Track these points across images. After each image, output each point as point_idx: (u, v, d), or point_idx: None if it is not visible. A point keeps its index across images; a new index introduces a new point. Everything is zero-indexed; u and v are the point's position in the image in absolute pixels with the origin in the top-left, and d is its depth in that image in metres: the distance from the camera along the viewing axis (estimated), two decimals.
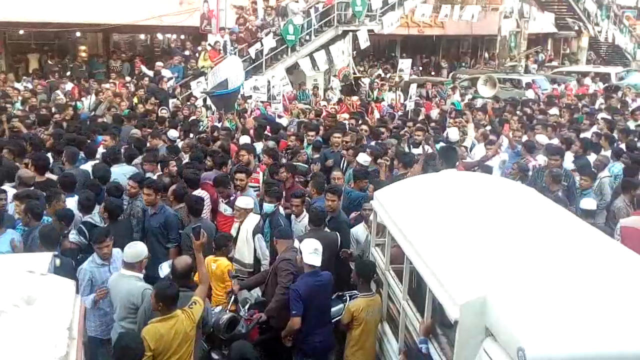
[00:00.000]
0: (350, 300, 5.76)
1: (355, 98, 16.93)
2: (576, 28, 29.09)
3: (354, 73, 21.03)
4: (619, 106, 15.10)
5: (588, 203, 7.37)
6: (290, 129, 12.02)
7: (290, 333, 5.45)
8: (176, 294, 4.64)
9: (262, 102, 15.50)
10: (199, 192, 7.44)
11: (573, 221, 5.00)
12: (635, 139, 10.94)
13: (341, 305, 5.75)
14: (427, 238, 4.70)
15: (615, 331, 3.29)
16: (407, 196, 5.72)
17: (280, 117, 14.13)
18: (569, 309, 3.44)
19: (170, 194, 7.47)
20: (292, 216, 7.23)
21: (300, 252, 5.48)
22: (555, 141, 10.30)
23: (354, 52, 22.30)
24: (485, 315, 3.62)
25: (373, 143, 10.12)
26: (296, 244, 6.03)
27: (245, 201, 6.91)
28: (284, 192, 7.74)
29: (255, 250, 6.64)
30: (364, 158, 8.50)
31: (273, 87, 16.26)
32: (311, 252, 5.42)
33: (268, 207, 7.00)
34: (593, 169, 8.73)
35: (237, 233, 6.76)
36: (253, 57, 17.70)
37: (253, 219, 6.82)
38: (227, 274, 6.05)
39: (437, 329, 4.58)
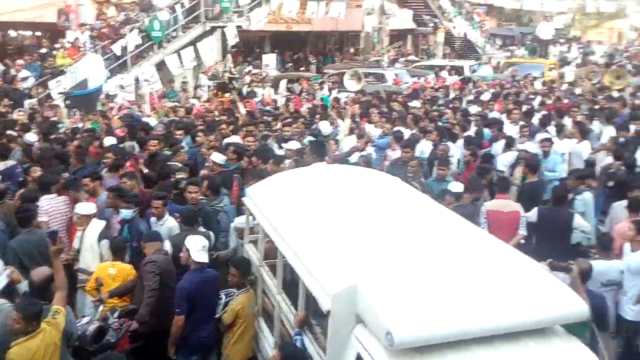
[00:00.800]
0: (226, 298, 5.71)
1: (227, 95, 16.79)
2: (432, 25, 30.85)
3: (229, 70, 20.83)
4: (472, 97, 16.16)
5: (456, 186, 7.89)
6: (158, 129, 11.68)
7: (177, 335, 5.35)
8: (40, 310, 4.37)
9: (129, 101, 14.92)
10: (51, 198, 6.98)
11: (435, 208, 5.31)
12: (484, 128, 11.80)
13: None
14: (299, 232, 4.79)
15: (472, 310, 3.55)
16: (278, 191, 5.78)
17: (147, 116, 13.68)
18: (431, 292, 3.66)
19: (17, 198, 6.91)
20: (153, 219, 6.83)
21: (187, 250, 5.41)
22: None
23: (233, 49, 22.11)
24: (356, 304, 3.75)
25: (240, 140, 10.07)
26: (166, 245, 5.87)
27: (85, 207, 6.54)
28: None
29: (102, 257, 6.31)
30: (218, 157, 8.43)
31: (142, 84, 15.70)
32: (199, 249, 5.40)
33: (126, 213, 6.53)
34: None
35: (81, 242, 6.41)
36: (118, 54, 16.99)
37: (96, 225, 6.48)
38: (123, 279, 5.78)
39: (312, 320, 4.68)
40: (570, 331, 3.79)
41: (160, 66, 17.83)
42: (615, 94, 16.21)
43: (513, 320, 3.56)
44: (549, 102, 15.27)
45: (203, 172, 8.29)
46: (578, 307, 3.75)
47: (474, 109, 13.57)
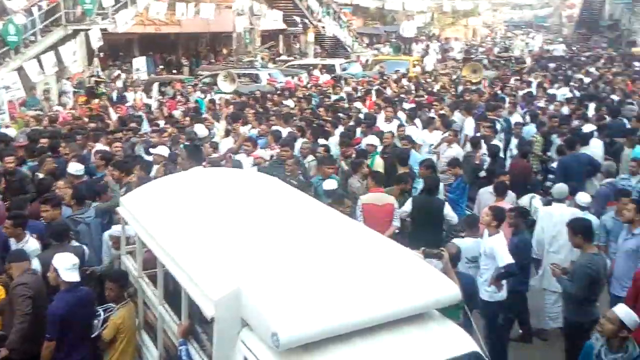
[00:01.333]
0: (105, 314, 5.46)
1: (97, 101, 15.98)
2: (302, 25, 31.28)
3: (97, 75, 19.81)
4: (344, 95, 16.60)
5: (329, 184, 8.10)
6: (20, 140, 10.90)
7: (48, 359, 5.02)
8: None
9: None
10: None
11: (313, 205, 5.41)
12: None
13: (95, 322, 5.43)
14: (178, 239, 4.68)
15: (352, 303, 3.66)
16: (154, 199, 5.61)
17: (6, 127, 12.70)
18: (312, 289, 3.73)
19: None
20: (11, 240, 6.32)
21: (55, 270, 5.08)
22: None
23: (99, 53, 21.05)
24: (240, 308, 3.73)
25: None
26: (34, 263, 5.50)
27: None
28: None
29: None
30: (74, 167, 8.05)
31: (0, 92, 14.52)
32: (68, 267, 5.08)
33: None
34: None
35: None
36: None
37: None
38: None
39: (197, 328, 4.60)
40: (444, 314, 4.02)
41: (19, 73, 16.62)
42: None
43: (391, 308, 3.71)
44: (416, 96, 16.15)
45: (59, 183, 7.74)
46: (451, 291, 3.98)
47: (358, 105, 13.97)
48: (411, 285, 3.90)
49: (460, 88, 18.43)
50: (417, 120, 12.49)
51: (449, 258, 5.16)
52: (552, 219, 7.24)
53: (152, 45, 27.68)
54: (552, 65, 26.18)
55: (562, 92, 17.09)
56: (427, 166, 8.74)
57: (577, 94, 17.06)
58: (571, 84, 19.07)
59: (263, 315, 3.55)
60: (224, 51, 31.67)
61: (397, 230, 7.57)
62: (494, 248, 6.23)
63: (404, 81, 20.07)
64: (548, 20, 56.78)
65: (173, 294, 4.90)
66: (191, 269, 4.21)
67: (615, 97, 15.77)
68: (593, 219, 7.25)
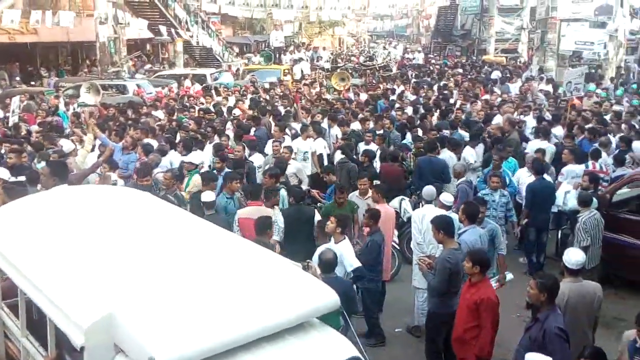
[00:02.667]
0: None
1: None
2: (167, 34, 30.48)
3: None
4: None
5: (207, 196, 7.96)
6: None
7: None
8: None
9: None
10: None
11: (188, 220, 5.26)
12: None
13: None
14: (41, 264, 4.33)
15: (232, 318, 3.59)
16: (12, 222, 5.17)
17: None
18: (191, 308, 3.61)
19: None
20: None
21: None
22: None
23: None
24: (113, 334, 3.53)
25: None
26: None
27: None
28: None
29: None
30: None
31: None
32: None
33: None
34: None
35: None
36: None
37: None
38: None
39: (67, 358, 4.30)
40: (325, 321, 4.06)
41: None
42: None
43: (272, 321, 3.69)
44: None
45: None
46: (330, 298, 4.03)
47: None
48: (291, 296, 3.91)
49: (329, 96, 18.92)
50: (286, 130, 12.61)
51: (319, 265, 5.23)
52: (423, 221, 7.52)
53: (5, 55, 25.73)
54: (413, 73, 27.66)
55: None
56: (270, 175, 8.73)
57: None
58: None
59: (138, 340, 3.38)
60: (88, 62, 30.14)
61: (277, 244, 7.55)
62: (342, 254, 6.46)
63: (278, 90, 20.25)
64: (407, 30, 59.87)
65: (37, 323, 4.54)
66: (56, 296, 3.91)
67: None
68: (455, 216, 7.73)
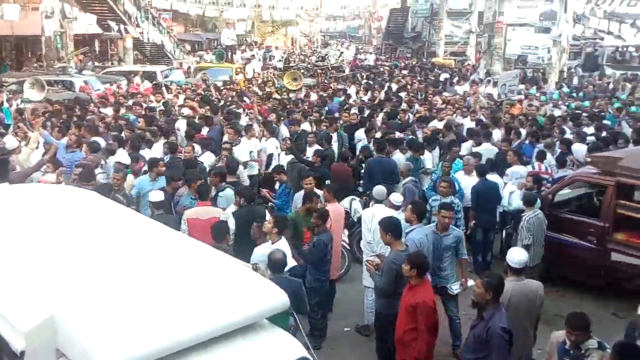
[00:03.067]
0: None
1: None
2: (116, 30, 29.82)
3: None
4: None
5: (155, 195, 7.84)
6: None
7: None
8: None
9: None
10: None
11: (136, 220, 5.17)
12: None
13: None
14: None
15: (181, 319, 3.54)
16: None
17: None
18: (138, 309, 3.54)
19: None
20: None
21: None
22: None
23: None
24: (55, 337, 3.42)
25: None
26: None
27: None
28: None
29: None
30: None
31: None
32: None
33: None
34: None
35: None
36: None
37: None
38: None
39: None
40: (274, 321, 4.06)
41: None
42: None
43: (221, 322, 3.65)
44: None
45: None
46: (279, 299, 4.03)
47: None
48: (240, 297, 3.89)
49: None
50: None
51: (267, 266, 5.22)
52: (373, 220, 7.58)
53: None
54: (364, 74, 27.91)
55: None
56: (215, 174, 8.80)
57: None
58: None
59: (82, 343, 3.29)
60: (33, 56, 29.22)
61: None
62: None
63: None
64: (359, 31, 60.32)
65: None
66: None
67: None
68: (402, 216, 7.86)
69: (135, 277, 3.93)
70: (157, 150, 10.51)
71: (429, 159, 11.18)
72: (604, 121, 14.90)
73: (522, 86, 19.05)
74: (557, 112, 16.37)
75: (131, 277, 3.92)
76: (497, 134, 13.07)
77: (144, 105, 15.43)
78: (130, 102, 15.72)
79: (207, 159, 10.40)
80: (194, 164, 9.77)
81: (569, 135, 12.77)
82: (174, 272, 4.05)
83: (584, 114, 15.66)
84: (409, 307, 5.76)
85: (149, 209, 7.87)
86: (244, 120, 13.38)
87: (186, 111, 14.60)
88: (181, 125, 12.99)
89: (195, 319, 3.60)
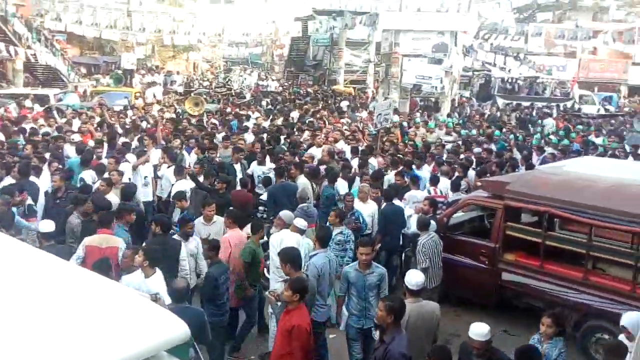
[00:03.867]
0: None
1: None
2: (5, 52, 28.27)
3: None
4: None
5: (45, 225, 7.66)
6: None
7: None
8: None
9: None
10: None
11: (23, 252, 4.88)
12: None
13: None
14: None
15: (74, 355, 3.37)
16: None
17: None
18: (23, 348, 3.34)
19: None
20: None
21: None
22: None
23: None
24: None
25: None
26: None
27: None
28: None
29: None
30: None
31: None
32: None
33: None
34: None
35: None
36: None
37: None
38: None
39: None
40: (174, 353, 3.94)
41: None
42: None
43: (117, 356, 3.51)
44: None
45: None
46: (179, 330, 3.92)
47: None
48: (137, 329, 3.75)
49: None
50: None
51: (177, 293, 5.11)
52: (282, 245, 7.56)
53: None
54: (267, 100, 28.10)
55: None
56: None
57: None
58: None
59: None
60: None
61: None
62: (151, 291, 6.18)
63: (130, 112, 19.59)
64: (262, 58, 60.74)
65: None
66: None
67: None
68: (307, 242, 7.95)
69: (23, 312, 3.70)
70: (45, 177, 10.02)
71: (344, 186, 11.18)
72: (492, 146, 15.84)
73: (396, 116, 19.82)
74: (449, 139, 17.23)
75: (18, 312, 3.68)
76: (374, 161, 13.13)
77: (40, 130, 14.71)
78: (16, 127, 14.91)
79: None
80: (88, 189, 9.44)
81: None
82: (66, 305, 3.85)
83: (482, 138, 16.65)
84: (285, 331, 5.77)
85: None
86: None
87: (76, 137, 13.95)
88: (70, 151, 12.54)
89: (88, 354, 3.43)
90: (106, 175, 10.19)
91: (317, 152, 13.56)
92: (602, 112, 30.60)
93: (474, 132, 19.02)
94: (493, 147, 15.90)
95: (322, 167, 12.08)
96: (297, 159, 12.71)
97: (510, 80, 35.00)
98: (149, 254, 6.59)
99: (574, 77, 38.26)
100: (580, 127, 21.77)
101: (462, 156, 14.14)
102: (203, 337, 5.66)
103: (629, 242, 8.20)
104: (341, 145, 15.02)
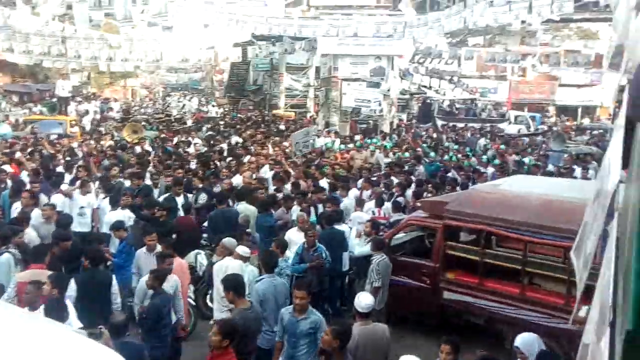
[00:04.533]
0: None
1: None
2: None
3: None
4: None
5: None
6: None
7: None
8: None
9: None
10: None
11: None
12: None
13: None
14: None
15: None
16: None
17: None
18: None
19: None
20: None
21: None
22: None
23: None
24: None
25: None
26: None
27: None
28: None
29: None
30: None
31: None
32: None
33: None
34: None
35: None
36: None
37: None
38: None
39: None
40: None
41: None
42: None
43: None
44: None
45: None
46: None
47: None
48: None
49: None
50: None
51: (116, 328, 4.98)
52: (227, 272, 7.39)
53: None
54: (207, 125, 27.87)
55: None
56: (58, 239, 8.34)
57: None
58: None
59: None
60: None
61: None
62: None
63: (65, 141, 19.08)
64: (202, 83, 60.34)
65: None
66: None
67: None
68: (252, 269, 7.89)
69: None
70: None
71: (297, 210, 10.95)
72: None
73: (337, 140, 20.07)
74: (386, 160, 17.48)
75: None
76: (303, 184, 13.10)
77: None
78: None
79: (36, 215, 9.71)
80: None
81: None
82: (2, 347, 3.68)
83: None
84: None
85: None
86: (66, 178, 12.66)
87: (8, 168, 13.47)
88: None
89: None
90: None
91: (237, 180, 13.42)
92: (525, 131, 31.76)
93: (407, 154, 19.23)
94: (421, 168, 16.20)
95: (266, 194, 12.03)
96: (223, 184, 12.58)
97: (449, 103, 35.99)
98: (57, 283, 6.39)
99: (508, 99, 39.78)
100: (502, 146, 22.52)
101: (393, 179, 14.19)
102: None
103: (561, 257, 8.50)
104: (265, 170, 14.86)
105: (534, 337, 6.04)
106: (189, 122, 29.41)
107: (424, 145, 21.82)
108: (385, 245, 9.01)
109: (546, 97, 44.07)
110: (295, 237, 9.64)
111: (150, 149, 18.51)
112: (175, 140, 21.19)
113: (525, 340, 5.99)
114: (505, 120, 33.85)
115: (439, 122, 31.18)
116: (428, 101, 34.63)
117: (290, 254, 9.08)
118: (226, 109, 40.44)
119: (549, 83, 44.06)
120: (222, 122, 29.45)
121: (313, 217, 10.86)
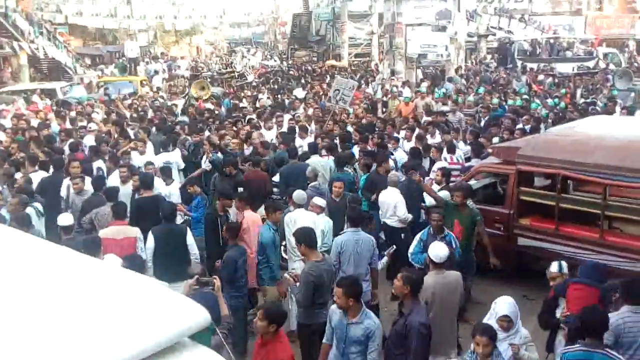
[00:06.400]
0: None
1: None
2: (8, 48, 28.32)
3: None
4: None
5: (64, 219, 7.66)
6: None
7: None
8: None
9: None
10: None
11: (38, 245, 4.92)
12: None
13: None
14: None
15: (92, 349, 3.40)
16: None
17: None
18: (42, 342, 3.37)
19: None
20: None
21: None
22: None
23: None
24: None
25: None
26: None
27: None
28: None
29: None
30: None
31: None
32: None
33: None
34: None
35: None
36: None
37: None
38: None
39: None
40: (196, 339, 3.98)
41: None
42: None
43: (138, 346, 3.53)
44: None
45: None
46: (200, 316, 3.93)
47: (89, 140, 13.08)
48: (158, 317, 3.78)
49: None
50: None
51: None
52: (296, 224, 7.54)
53: None
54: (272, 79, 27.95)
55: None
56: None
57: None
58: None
59: None
60: None
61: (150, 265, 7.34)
62: None
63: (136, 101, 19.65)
64: (265, 37, 60.34)
65: None
66: None
67: None
68: (327, 220, 7.95)
69: (42, 305, 3.73)
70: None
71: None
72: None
73: (407, 89, 19.43)
74: (445, 108, 16.92)
75: (37, 305, 3.72)
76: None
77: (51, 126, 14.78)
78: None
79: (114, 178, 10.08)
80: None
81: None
82: (85, 298, 3.88)
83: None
84: None
85: None
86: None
87: (93, 126, 14.15)
88: (88, 140, 12.76)
89: (109, 345, 3.45)
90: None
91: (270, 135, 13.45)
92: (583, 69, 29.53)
93: (471, 98, 18.53)
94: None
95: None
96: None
97: (530, 43, 33.98)
98: None
99: (597, 36, 37.32)
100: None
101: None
102: (216, 320, 5.69)
103: None
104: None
105: (511, 299, 5.72)
106: (250, 78, 29.52)
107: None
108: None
109: (626, 32, 41.35)
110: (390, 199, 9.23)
111: (212, 106, 18.78)
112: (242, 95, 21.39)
113: (510, 306, 5.56)
114: (593, 58, 31.47)
115: (519, 63, 29.64)
116: (506, 42, 32.84)
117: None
118: (290, 62, 40.34)
119: (628, 16, 41.26)
120: (286, 75, 29.42)
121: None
